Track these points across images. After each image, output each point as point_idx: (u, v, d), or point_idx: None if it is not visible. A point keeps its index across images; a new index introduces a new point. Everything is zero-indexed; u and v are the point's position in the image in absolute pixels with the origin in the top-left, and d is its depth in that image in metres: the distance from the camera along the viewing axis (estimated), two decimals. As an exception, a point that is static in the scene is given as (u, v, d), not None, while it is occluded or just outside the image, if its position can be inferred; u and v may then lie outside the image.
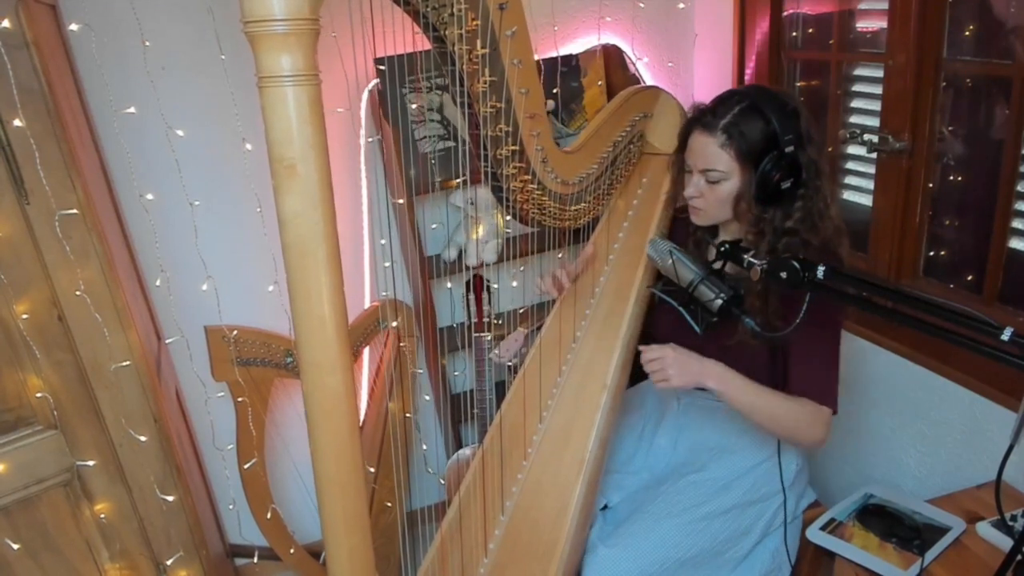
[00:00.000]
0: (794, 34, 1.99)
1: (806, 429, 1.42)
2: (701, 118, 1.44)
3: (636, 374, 1.64)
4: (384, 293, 2.12)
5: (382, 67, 1.84)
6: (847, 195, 1.92)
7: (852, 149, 1.87)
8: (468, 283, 1.77)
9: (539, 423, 1.56)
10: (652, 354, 1.42)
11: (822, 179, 1.42)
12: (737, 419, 1.54)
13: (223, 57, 1.72)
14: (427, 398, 2.28)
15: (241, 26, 0.81)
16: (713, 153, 1.42)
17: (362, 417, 2.15)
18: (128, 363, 1.39)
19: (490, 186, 1.45)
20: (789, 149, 1.37)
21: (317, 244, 0.88)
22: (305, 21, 0.81)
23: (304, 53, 0.82)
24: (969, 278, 1.67)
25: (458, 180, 1.98)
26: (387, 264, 2.10)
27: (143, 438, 1.45)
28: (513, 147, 1.37)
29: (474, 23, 1.21)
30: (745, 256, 1.30)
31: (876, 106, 1.74)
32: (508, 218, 2.06)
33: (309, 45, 0.83)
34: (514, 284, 2.21)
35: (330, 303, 0.90)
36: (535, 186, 1.46)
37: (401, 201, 1.95)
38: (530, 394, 1.59)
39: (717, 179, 1.43)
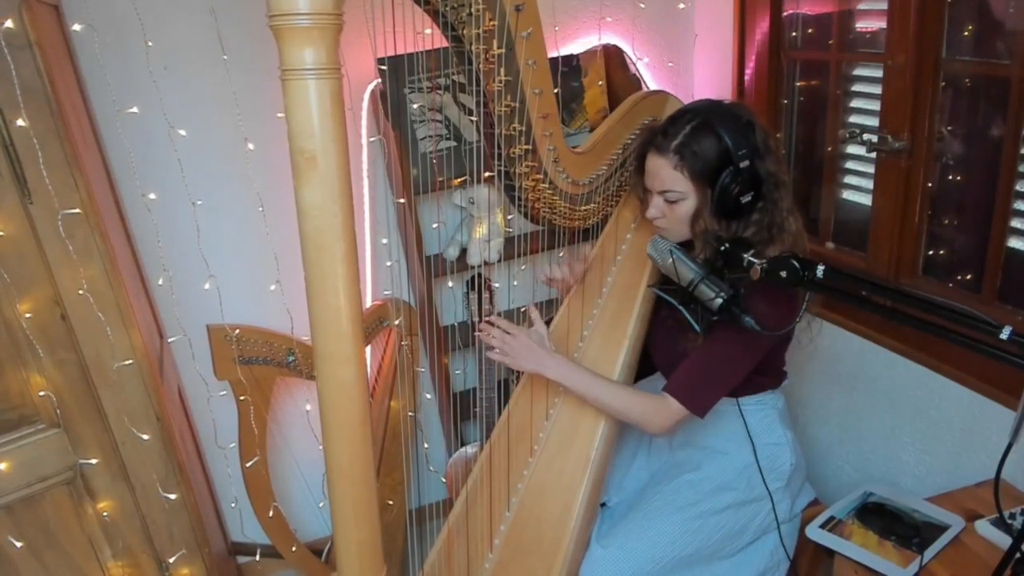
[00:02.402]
0: (794, 34, 1.99)
1: (646, 423, 1.46)
2: (653, 139, 1.44)
3: (640, 372, 1.65)
4: (387, 292, 2.12)
5: (383, 67, 1.84)
6: (847, 194, 1.93)
7: (852, 149, 1.88)
8: (470, 282, 1.78)
9: (545, 421, 1.57)
10: (502, 332, 1.47)
11: (780, 191, 1.42)
12: (728, 420, 1.55)
13: (225, 57, 1.73)
14: (428, 396, 2.29)
15: (258, 21, 0.82)
16: (668, 175, 1.42)
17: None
18: (131, 362, 1.39)
19: (502, 185, 1.47)
20: (744, 164, 1.36)
21: (335, 236, 0.89)
22: (329, 16, 0.82)
23: (327, 47, 0.83)
24: (968, 277, 1.68)
25: (461, 179, 1.99)
26: (389, 263, 2.10)
27: (145, 436, 1.45)
28: (526, 146, 1.39)
29: (491, 23, 1.23)
30: (745, 255, 1.31)
31: (875, 106, 1.75)
32: (511, 217, 2.07)
33: (332, 39, 0.84)
34: (515, 283, 2.22)
35: (345, 295, 0.91)
36: (546, 185, 1.48)
37: (403, 200, 1.96)
38: (537, 391, 1.60)
39: (675, 199, 1.44)
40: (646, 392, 1.48)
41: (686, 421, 1.44)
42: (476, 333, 1.69)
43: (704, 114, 1.40)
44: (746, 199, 1.38)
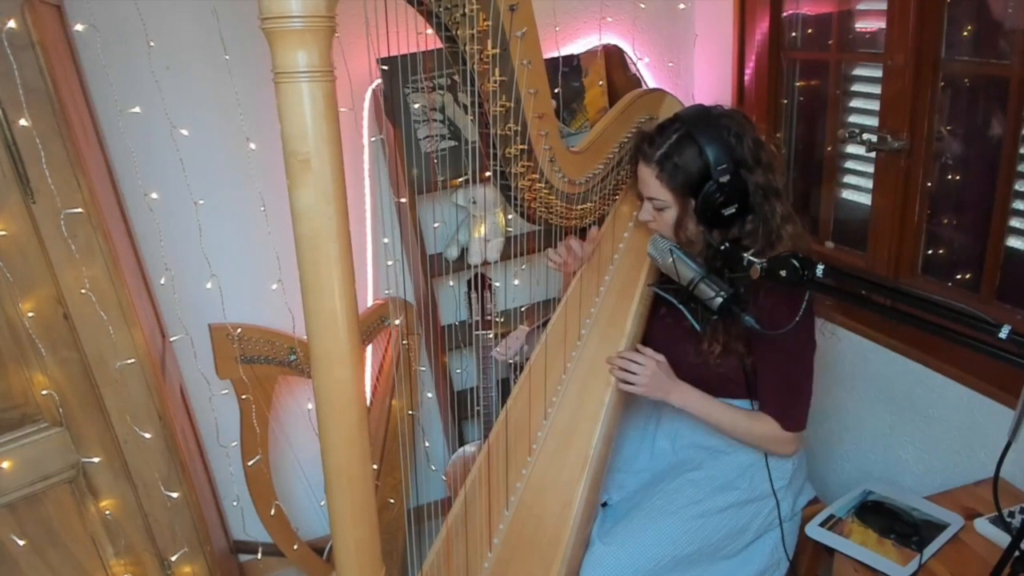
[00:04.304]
0: (793, 34, 2.00)
1: (772, 447, 1.52)
2: (641, 146, 1.45)
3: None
4: (387, 291, 2.13)
5: (385, 67, 1.85)
6: (846, 194, 1.93)
7: (851, 148, 1.88)
8: (470, 281, 1.78)
9: (544, 420, 1.57)
10: (639, 358, 1.48)
11: (772, 200, 1.41)
12: None
13: (227, 57, 1.73)
14: (429, 395, 2.30)
15: (258, 23, 0.82)
16: (652, 184, 1.43)
17: (364, 415, 2.15)
18: (133, 361, 1.40)
19: (498, 185, 1.47)
20: (725, 178, 1.36)
21: (330, 237, 0.89)
22: (321, 18, 0.82)
23: (320, 50, 0.83)
24: (967, 276, 1.68)
25: (462, 179, 1.99)
26: (390, 263, 2.11)
27: (148, 435, 1.46)
28: (522, 146, 1.39)
29: (485, 24, 1.22)
30: (744, 255, 1.31)
31: (875, 106, 1.75)
32: (511, 216, 2.07)
33: (325, 42, 0.84)
34: (516, 283, 2.22)
35: (341, 296, 0.91)
36: (543, 185, 1.48)
37: (404, 200, 1.96)
38: (535, 391, 1.60)
39: (660, 207, 1.46)
40: (763, 418, 1.50)
41: (800, 438, 1.52)
42: (477, 333, 1.70)
43: (690, 124, 1.39)
44: (730, 211, 1.39)
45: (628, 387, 1.49)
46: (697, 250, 1.47)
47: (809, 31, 1.96)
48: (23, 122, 1.21)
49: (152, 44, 1.71)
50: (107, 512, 1.47)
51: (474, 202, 2.03)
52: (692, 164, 1.38)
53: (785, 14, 1.99)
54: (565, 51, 2.12)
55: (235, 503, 2.07)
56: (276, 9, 0.81)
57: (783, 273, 1.20)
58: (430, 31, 1.24)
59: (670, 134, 1.41)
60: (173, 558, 1.56)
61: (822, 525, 1.51)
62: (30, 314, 1.30)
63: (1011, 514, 1.38)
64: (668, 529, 1.48)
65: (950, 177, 1.70)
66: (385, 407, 2.12)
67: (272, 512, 1.95)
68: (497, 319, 1.85)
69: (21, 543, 1.39)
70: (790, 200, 1.48)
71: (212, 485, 2.08)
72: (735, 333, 1.44)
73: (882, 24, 1.70)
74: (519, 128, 1.36)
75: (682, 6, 2.24)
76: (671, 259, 1.44)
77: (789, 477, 1.58)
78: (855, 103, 1.85)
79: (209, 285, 1.88)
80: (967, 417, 1.61)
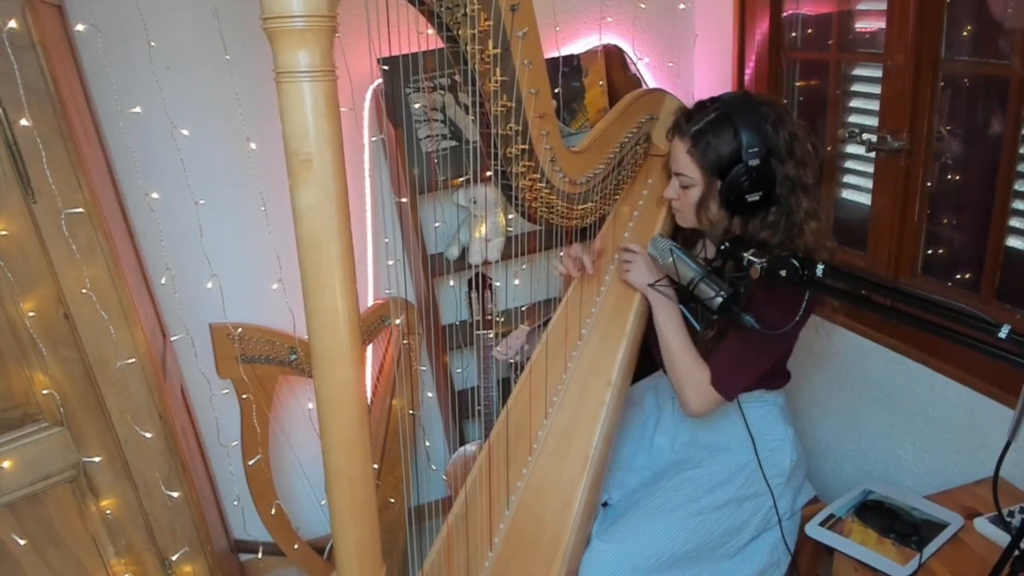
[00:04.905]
0: (793, 34, 2.00)
1: (691, 392, 1.48)
2: (679, 121, 1.46)
3: (638, 372, 1.65)
4: (388, 291, 2.13)
5: (386, 67, 1.85)
6: (846, 194, 1.93)
7: (851, 148, 1.88)
8: (471, 281, 1.78)
9: (544, 419, 1.57)
10: (629, 256, 1.56)
11: (799, 194, 1.41)
12: (731, 417, 1.56)
13: (228, 57, 1.73)
14: (430, 395, 2.30)
15: (259, 22, 0.82)
16: (682, 159, 1.44)
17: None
18: (133, 360, 1.40)
19: (499, 184, 1.47)
20: (754, 163, 1.36)
21: (331, 237, 0.89)
22: (323, 18, 0.82)
23: (321, 49, 0.83)
24: (967, 276, 1.69)
25: (463, 179, 2.00)
26: (391, 262, 2.11)
27: (148, 435, 1.46)
28: (522, 146, 1.39)
29: (486, 24, 1.22)
30: (744, 254, 1.32)
31: (875, 106, 1.75)
32: (512, 216, 2.07)
33: (326, 41, 0.84)
34: (516, 282, 2.22)
35: (343, 296, 0.91)
36: (543, 185, 1.48)
37: (404, 200, 1.96)
38: (535, 391, 1.60)
39: (687, 184, 1.46)
40: (703, 365, 1.48)
41: (715, 406, 1.47)
42: (478, 332, 1.69)
43: (729, 106, 1.40)
44: (753, 198, 1.38)
45: (624, 274, 1.57)
46: (717, 235, 1.46)
47: (809, 31, 1.97)
48: (24, 122, 1.21)
49: (153, 44, 1.72)
50: (108, 512, 1.47)
51: (475, 202, 2.03)
52: (725, 144, 1.38)
53: (785, 14, 1.99)
54: (565, 51, 2.12)
55: (236, 502, 2.07)
56: (277, 9, 0.81)
57: (783, 273, 1.20)
58: (431, 31, 1.24)
59: (708, 112, 1.41)
60: (174, 557, 1.56)
61: (822, 524, 1.51)
62: (31, 314, 1.30)
63: (1011, 514, 1.38)
64: (666, 527, 1.48)
65: (950, 177, 1.70)
66: (386, 406, 2.12)
67: (273, 511, 1.95)
68: (498, 319, 1.85)
69: (22, 543, 1.39)
70: (819, 200, 1.47)
71: (213, 485, 2.08)
72: (735, 322, 1.43)
73: (882, 24, 1.71)
74: (520, 128, 1.37)
75: (682, 6, 2.24)
76: (671, 259, 1.44)
77: (787, 475, 1.58)
78: (855, 103, 1.86)
79: (210, 285, 1.88)
80: (967, 417, 1.61)
